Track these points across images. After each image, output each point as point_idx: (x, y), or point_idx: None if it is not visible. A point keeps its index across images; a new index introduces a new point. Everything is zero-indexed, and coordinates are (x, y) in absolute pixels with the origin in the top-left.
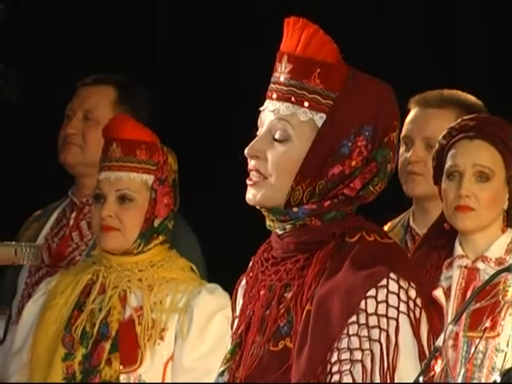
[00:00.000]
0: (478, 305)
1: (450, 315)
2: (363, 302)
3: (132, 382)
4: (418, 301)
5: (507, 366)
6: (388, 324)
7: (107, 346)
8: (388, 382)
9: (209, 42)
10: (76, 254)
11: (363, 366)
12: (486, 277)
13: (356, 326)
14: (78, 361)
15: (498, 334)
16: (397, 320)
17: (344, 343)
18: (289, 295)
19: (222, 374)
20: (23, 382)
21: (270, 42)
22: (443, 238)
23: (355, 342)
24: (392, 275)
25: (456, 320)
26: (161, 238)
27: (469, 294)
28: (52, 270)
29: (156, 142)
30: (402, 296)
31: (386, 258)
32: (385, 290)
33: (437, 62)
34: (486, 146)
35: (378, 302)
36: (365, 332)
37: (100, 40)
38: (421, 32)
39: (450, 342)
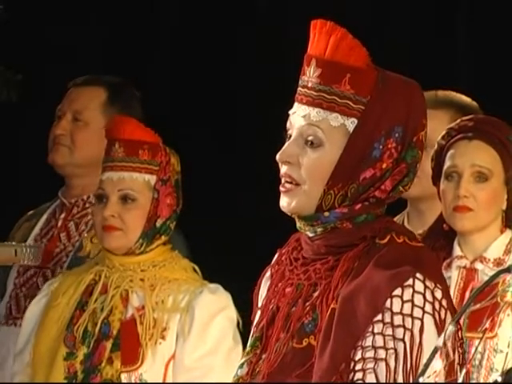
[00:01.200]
0: (477, 305)
1: None
2: (389, 301)
3: (133, 381)
4: (444, 302)
5: (508, 367)
6: (413, 324)
7: (108, 345)
8: (411, 381)
9: (209, 42)
10: (63, 254)
11: (387, 365)
12: (485, 277)
13: (381, 325)
14: (80, 360)
15: (497, 335)
16: (421, 320)
17: (368, 341)
18: (315, 294)
19: (241, 366)
20: (25, 383)
21: (270, 42)
22: (442, 239)
23: (380, 340)
24: (418, 275)
25: (456, 320)
26: (163, 238)
27: (467, 294)
28: (40, 270)
29: (159, 142)
30: (428, 296)
31: (413, 259)
32: (410, 290)
33: (436, 61)
34: (485, 147)
35: (403, 302)
36: (389, 331)
37: (100, 40)
38: (421, 32)
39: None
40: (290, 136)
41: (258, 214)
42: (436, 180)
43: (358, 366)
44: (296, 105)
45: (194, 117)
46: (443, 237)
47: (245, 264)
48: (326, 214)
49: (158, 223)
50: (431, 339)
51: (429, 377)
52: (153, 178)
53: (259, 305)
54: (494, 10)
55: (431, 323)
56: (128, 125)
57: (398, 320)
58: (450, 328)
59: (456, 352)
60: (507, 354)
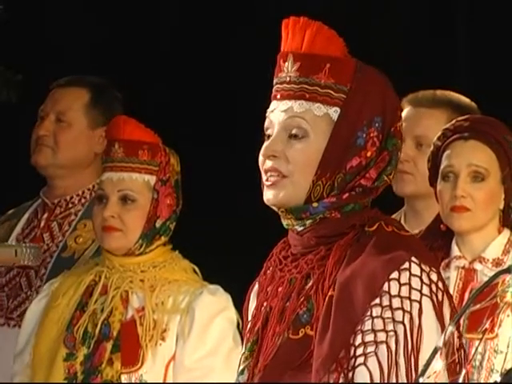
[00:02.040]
0: (478, 306)
1: None
2: (386, 285)
3: (133, 382)
4: (440, 284)
5: (508, 367)
6: (411, 306)
7: (109, 346)
8: (412, 363)
9: (209, 42)
10: (47, 255)
11: (388, 347)
12: (484, 278)
13: (379, 308)
14: (80, 361)
15: (497, 336)
16: (420, 302)
17: (368, 325)
18: (308, 285)
19: (241, 372)
20: (25, 383)
21: (271, 42)
22: (440, 239)
23: (379, 323)
24: (414, 259)
25: (456, 321)
26: (163, 238)
27: (467, 295)
28: (23, 270)
29: (158, 142)
30: (425, 279)
31: (405, 245)
32: (407, 273)
33: (436, 61)
34: (481, 146)
35: (400, 285)
36: (388, 314)
37: (100, 40)
38: (420, 32)
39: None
40: (269, 136)
41: (257, 214)
42: (433, 181)
43: (359, 351)
44: (274, 102)
45: (194, 117)
46: (441, 237)
47: (245, 264)
48: (315, 204)
49: (158, 224)
50: (430, 321)
51: (429, 377)
52: (152, 179)
53: (249, 318)
54: (494, 10)
55: (429, 305)
56: (128, 125)
57: (396, 303)
58: (449, 328)
59: (455, 334)
60: (507, 354)
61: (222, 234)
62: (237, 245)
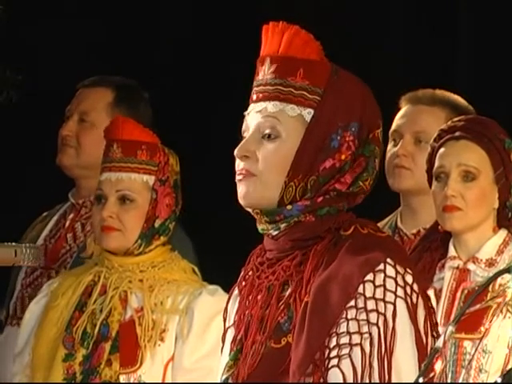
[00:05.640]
0: (478, 306)
1: (439, 316)
2: (361, 287)
3: (132, 382)
4: (415, 286)
5: (494, 367)
6: (385, 308)
7: (107, 346)
8: (385, 365)
9: (210, 42)
10: (68, 255)
11: (362, 350)
12: (476, 278)
13: (354, 311)
14: (79, 361)
15: (485, 336)
16: (394, 304)
17: (343, 327)
18: (287, 293)
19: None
20: (25, 383)
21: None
22: (437, 240)
23: (354, 326)
24: (389, 260)
25: (456, 321)
26: (162, 238)
27: (458, 295)
28: (46, 271)
29: (157, 142)
30: (399, 281)
31: (381, 247)
32: (382, 275)
33: (436, 62)
34: (472, 146)
35: (375, 286)
36: (363, 316)
37: (99, 39)
38: (421, 32)
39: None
40: None
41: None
42: (430, 182)
43: (333, 353)
44: (251, 105)
45: (194, 116)
46: (440, 238)
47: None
48: (289, 207)
49: (157, 224)
50: (404, 323)
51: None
52: (151, 179)
53: (230, 323)
54: (495, 10)
55: (403, 307)
56: (126, 125)
57: (371, 305)
58: (450, 328)
59: (430, 336)
60: (507, 354)
61: (222, 234)
62: (236, 245)
